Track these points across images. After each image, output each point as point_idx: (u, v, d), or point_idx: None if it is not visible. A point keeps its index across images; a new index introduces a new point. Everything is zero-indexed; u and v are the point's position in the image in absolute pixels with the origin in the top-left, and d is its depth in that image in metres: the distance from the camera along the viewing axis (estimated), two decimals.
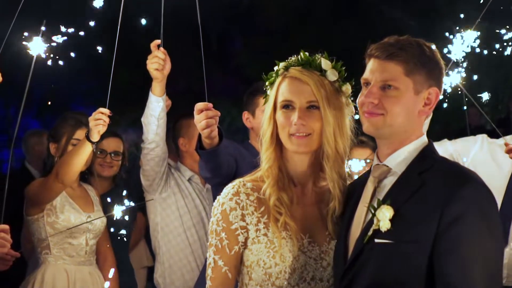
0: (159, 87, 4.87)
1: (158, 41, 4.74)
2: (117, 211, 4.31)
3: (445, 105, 4.94)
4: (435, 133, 5.60)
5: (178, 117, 5.53)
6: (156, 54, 4.74)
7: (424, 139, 2.94)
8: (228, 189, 3.09)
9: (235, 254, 3.03)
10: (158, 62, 4.74)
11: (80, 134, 4.95)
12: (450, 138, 5.06)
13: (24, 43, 4.10)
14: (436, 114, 5.08)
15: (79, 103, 8.03)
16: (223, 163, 3.82)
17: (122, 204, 5.28)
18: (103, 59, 4.68)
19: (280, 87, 3.10)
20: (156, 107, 4.90)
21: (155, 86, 4.87)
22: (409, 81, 2.84)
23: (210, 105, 3.56)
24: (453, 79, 4.64)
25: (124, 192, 5.23)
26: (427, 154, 2.89)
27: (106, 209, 5.10)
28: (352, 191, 3.09)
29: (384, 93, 2.85)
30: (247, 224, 3.02)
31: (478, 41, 4.72)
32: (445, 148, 4.87)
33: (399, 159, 2.89)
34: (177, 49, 6.86)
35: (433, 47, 2.93)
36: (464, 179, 2.73)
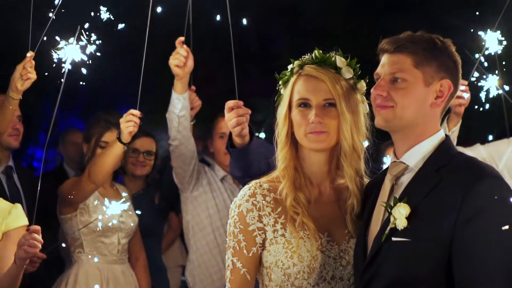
0: (180, 84, 4.92)
1: (183, 38, 4.78)
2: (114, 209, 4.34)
3: (487, 106, 4.89)
4: (478, 137, 5.52)
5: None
6: (178, 50, 4.79)
7: (441, 135, 2.89)
8: (245, 191, 3.09)
9: (253, 255, 3.03)
10: (178, 59, 4.79)
11: (109, 136, 5.05)
12: (482, 143, 5.00)
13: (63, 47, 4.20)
14: (476, 115, 5.04)
15: (124, 104, 8.09)
16: (254, 162, 3.80)
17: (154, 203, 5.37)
18: (146, 60, 4.75)
19: (296, 86, 3.11)
20: (177, 104, 4.95)
21: (176, 83, 4.93)
22: (418, 73, 2.82)
23: (241, 103, 3.56)
24: (493, 80, 4.62)
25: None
26: (444, 150, 2.85)
27: (138, 208, 5.16)
28: (371, 189, 3.07)
29: (393, 86, 2.84)
30: (264, 225, 3.02)
31: None
32: (478, 153, 4.80)
33: (416, 156, 2.86)
34: (219, 50, 6.90)
35: (448, 41, 2.90)
36: (480, 174, 2.69)
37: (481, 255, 2.60)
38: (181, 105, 4.94)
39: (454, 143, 4.71)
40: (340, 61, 3.10)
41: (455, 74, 2.88)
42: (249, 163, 3.75)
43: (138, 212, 5.13)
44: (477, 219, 2.61)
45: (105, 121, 5.12)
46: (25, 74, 4.46)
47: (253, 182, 3.12)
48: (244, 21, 4.90)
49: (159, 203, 5.61)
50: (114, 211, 4.48)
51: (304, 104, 3.06)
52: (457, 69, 2.90)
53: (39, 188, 4.01)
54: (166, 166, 5.30)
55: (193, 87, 5.17)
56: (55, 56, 4.24)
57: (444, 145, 2.87)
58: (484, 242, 2.61)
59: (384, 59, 2.90)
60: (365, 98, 3.16)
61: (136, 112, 4.44)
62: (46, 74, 4.46)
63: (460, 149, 4.71)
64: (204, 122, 5.70)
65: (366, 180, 3.18)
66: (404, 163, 2.88)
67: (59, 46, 4.24)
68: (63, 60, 4.23)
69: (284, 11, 7.62)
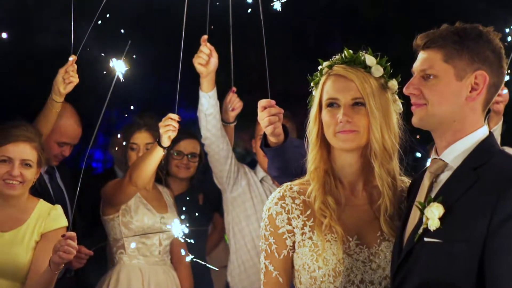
0: (205, 82, 4.92)
1: (206, 36, 4.79)
2: (176, 230, 4.32)
3: None
4: None
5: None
6: (201, 49, 4.80)
7: (483, 131, 2.78)
8: (275, 194, 3.09)
9: (284, 258, 3.02)
10: (201, 57, 4.80)
11: (137, 137, 5.14)
12: None
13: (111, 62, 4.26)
14: None
15: (180, 105, 8.16)
16: (291, 161, 3.70)
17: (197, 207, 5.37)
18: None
19: (325, 86, 3.07)
20: (204, 103, 4.96)
21: (202, 82, 4.94)
22: (448, 67, 2.73)
23: (273, 102, 3.53)
24: None
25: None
26: (485, 148, 2.74)
27: (181, 210, 5.18)
28: (412, 186, 3.00)
29: (425, 83, 2.77)
30: (293, 227, 3.01)
31: None
32: None
33: (455, 153, 2.76)
34: (276, 51, 6.88)
35: (489, 30, 2.78)
36: None
37: (509, 262, 2.51)
38: (207, 103, 4.94)
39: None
40: (369, 59, 3.06)
41: (494, 64, 2.76)
42: (285, 163, 3.69)
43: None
44: (508, 224, 2.52)
45: (135, 123, 5.18)
46: (68, 78, 4.54)
47: (284, 185, 3.11)
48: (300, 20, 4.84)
49: (203, 204, 5.62)
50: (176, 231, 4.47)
51: (333, 103, 3.03)
52: (497, 59, 2.77)
53: (78, 189, 4.05)
54: (210, 167, 5.30)
55: (234, 88, 5.16)
56: (102, 68, 4.30)
57: (485, 143, 2.76)
58: None
59: (419, 55, 2.84)
60: (397, 97, 3.10)
61: (175, 116, 4.46)
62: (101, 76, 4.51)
63: (506, 149, 4.59)
64: (254, 124, 5.68)
65: (407, 180, 3.13)
66: (443, 160, 2.79)
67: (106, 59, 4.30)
68: (111, 73, 4.28)
69: (340, 9, 7.58)
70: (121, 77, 4.20)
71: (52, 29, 5.78)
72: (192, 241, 5.21)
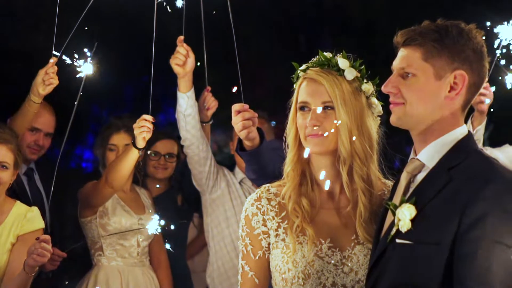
0: (182, 83, 4.91)
1: (182, 37, 4.78)
2: (152, 227, 4.27)
3: None
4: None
5: None
6: (178, 49, 4.80)
7: (461, 131, 2.73)
8: (252, 195, 3.11)
9: (259, 259, 3.04)
10: (178, 58, 4.79)
11: (115, 138, 5.12)
12: None
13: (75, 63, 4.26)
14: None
15: (170, 104, 8.17)
16: (268, 164, 3.73)
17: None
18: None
19: (300, 89, 3.08)
20: (182, 104, 4.94)
21: (179, 82, 4.93)
22: (428, 67, 2.69)
23: (246, 106, 3.54)
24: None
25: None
26: (461, 148, 2.69)
27: (160, 211, 5.14)
28: (394, 187, 2.95)
29: (404, 81, 2.73)
30: (268, 229, 3.03)
31: None
32: (507, 154, 4.62)
33: (431, 153, 2.72)
34: (264, 49, 6.85)
35: (470, 27, 2.73)
36: (490, 177, 2.55)
37: (479, 264, 2.47)
38: (185, 104, 4.93)
39: (480, 142, 4.55)
40: (342, 62, 3.04)
41: (475, 63, 2.70)
42: (262, 166, 3.71)
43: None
44: (478, 226, 2.48)
45: (113, 125, 5.16)
46: (48, 79, 4.50)
47: (262, 186, 3.13)
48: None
49: (182, 205, 5.60)
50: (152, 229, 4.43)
51: (304, 107, 3.04)
52: (478, 58, 2.71)
53: (52, 190, 4.04)
54: (188, 168, 5.27)
55: (209, 88, 5.16)
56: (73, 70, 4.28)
57: (462, 143, 2.72)
58: (484, 250, 2.48)
59: (399, 53, 2.80)
60: (375, 101, 3.07)
61: (149, 117, 4.43)
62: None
63: (488, 149, 4.55)
64: None
65: (390, 183, 3.11)
66: (420, 160, 2.75)
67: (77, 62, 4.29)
68: (78, 75, 4.30)
69: (330, 9, 7.56)
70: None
71: (33, 30, 5.76)
72: (171, 242, 5.21)
